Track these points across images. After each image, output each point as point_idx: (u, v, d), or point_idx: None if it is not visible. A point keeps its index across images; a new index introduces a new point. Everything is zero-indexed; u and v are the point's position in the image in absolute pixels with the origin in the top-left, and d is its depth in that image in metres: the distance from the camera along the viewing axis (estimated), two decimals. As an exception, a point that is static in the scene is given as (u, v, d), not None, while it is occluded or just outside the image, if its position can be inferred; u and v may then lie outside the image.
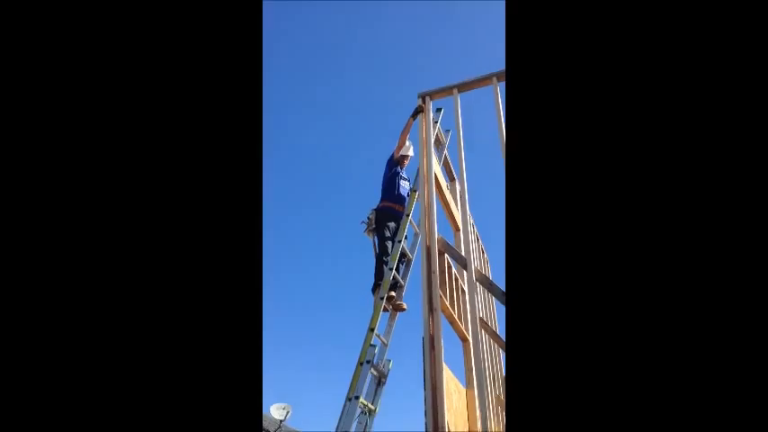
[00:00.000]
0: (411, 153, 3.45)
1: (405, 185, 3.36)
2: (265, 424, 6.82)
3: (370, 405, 2.28)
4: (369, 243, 3.23)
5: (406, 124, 3.26)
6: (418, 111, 3.05)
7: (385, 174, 3.40)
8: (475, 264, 2.76)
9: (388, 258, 2.88)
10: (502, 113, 2.80)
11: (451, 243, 3.01)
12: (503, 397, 2.83)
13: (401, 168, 3.42)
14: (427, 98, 3.07)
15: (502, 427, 2.80)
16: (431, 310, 2.29)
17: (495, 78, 2.97)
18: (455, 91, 3.04)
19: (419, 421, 1.99)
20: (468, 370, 2.56)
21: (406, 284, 3.01)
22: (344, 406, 2.19)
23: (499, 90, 2.92)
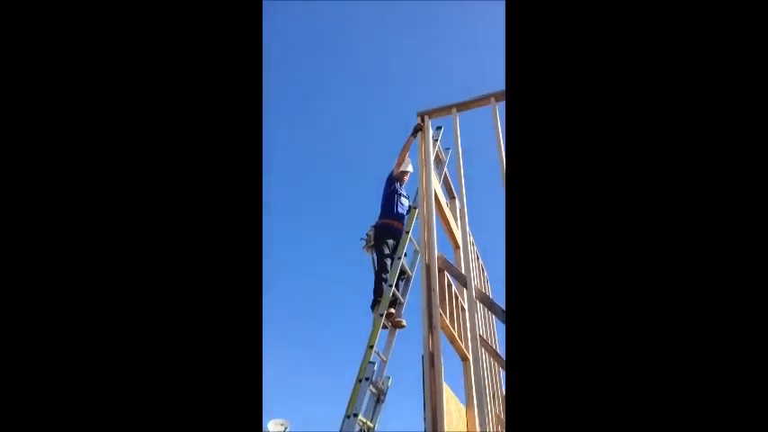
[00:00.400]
0: (410, 169, 3.49)
1: (404, 202, 3.39)
2: (262, 441, 6.71)
3: (368, 422, 2.27)
4: (368, 260, 3.24)
5: (406, 142, 3.31)
6: (418, 129, 3.09)
7: (384, 191, 3.43)
8: (475, 282, 2.77)
9: (388, 275, 2.89)
10: (501, 133, 2.85)
11: (451, 261, 3.02)
12: (503, 416, 2.81)
13: (400, 185, 3.46)
14: (426, 117, 3.12)
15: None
16: (431, 327, 2.29)
17: (493, 98, 3.02)
18: (454, 110, 3.09)
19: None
20: (468, 389, 2.55)
21: (406, 301, 3.02)
22: (343, 423, 2.17)
23: (498, 110, 2.97)
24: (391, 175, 3.45)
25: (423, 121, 3.12)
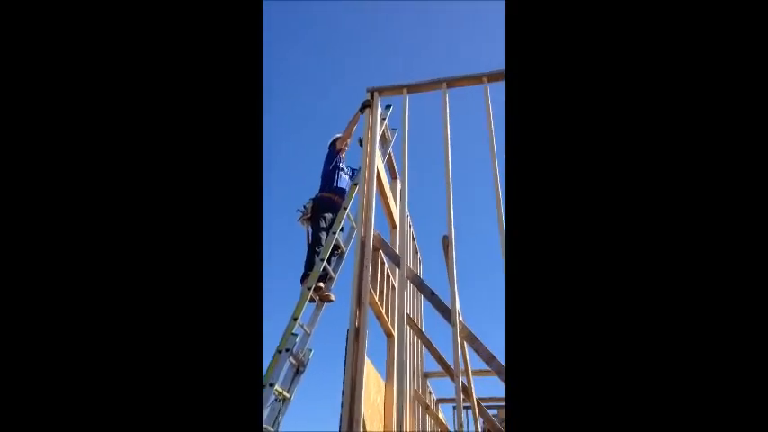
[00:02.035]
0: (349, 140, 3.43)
1: (345, 178, 3.33)
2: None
3: (285, 393, 2.22)
4: (302, 232, 3.16)
5: (353, 117, 3.25)
6: (366, 105, 3.03)
7: (326, 164, 3.35)
8: (408, 262, 2.78)
9: (321, 249, 2.84)
10: (448, 118, 2.86)
11: (387, 240, 3.02)
12: (421, 392, 2.87)
13: (342, 159, 3.39)
14: (375, 93, 3.06)
15: (417, 422, 2.83)
16: (359, 303, 2.27)
17: (444, 84, 3.03)
18: (405, 91, 3.06)
19: (337, 412, 1.97)
20: (390, 364, 2.57)
21: (338, 277, 2.98)
22: (259, 395, 2.11)
23: (447, 96, 2.98)
24: (333, 148, 3.38)
25: (372, 97, 3.06)
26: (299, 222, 3.17)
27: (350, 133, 3.36)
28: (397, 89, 3.15)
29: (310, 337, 2.52)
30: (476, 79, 2.92)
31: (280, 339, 2.30)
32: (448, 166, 2.60)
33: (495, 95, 2.84)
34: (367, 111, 2.98)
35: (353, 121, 3.28)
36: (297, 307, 2.46)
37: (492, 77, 2.87)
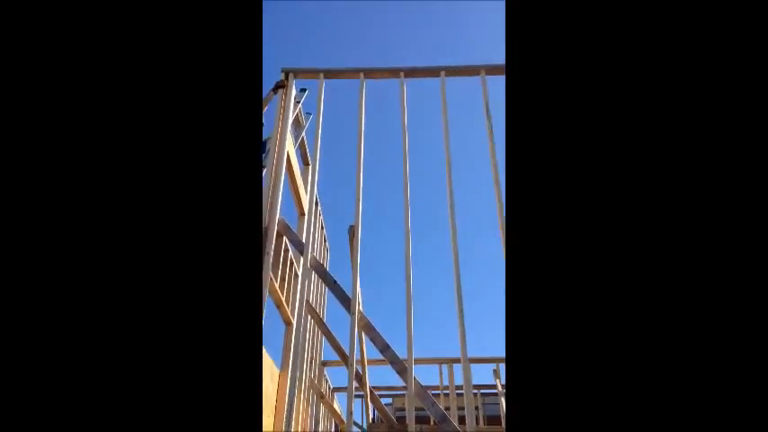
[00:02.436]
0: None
1: (253, 159, 3.18)
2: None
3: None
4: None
5: (266, 96, 3.10)
6: (279, 86, 2.91)
7: (233, 143, 3.17)
8: (314, 251, 2.74)
9: (222, 232, 2.68)
10: (364, 109, 2.86)
11: (294, 227, 2.95)
12: (317, 381, 2.86)
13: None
14: (291, 75, 2.96)
15: (311, 411, 2.82)
16: (257, 290, 2.19)
17: (362, 74, 3.01)
18: (321, 75, 2.99)
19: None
20: (286, 352, 2.52)
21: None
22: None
23: (365, 85, 2.97)
24: (243, 127, 3.20)
25: (287, 78, 2.94)
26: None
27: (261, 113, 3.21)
28: (313, 73, 3.07)
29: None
30: (393, 73, 2.95)
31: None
32: (360, 155, 2.60)
33: (411, 89, 2.90)
34: (280, 91, 2.86)
35: (265, 101, 3.13)
36: (188, 292, 2.30)
37: (409, 73, 2.92)
